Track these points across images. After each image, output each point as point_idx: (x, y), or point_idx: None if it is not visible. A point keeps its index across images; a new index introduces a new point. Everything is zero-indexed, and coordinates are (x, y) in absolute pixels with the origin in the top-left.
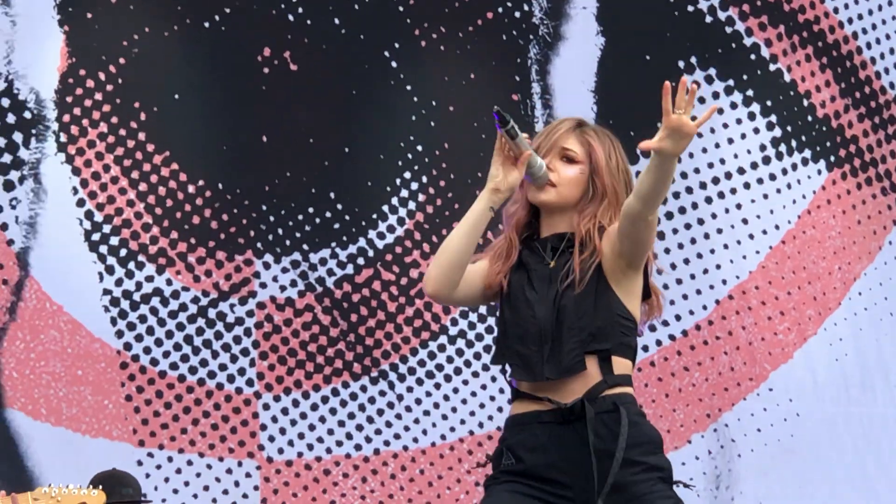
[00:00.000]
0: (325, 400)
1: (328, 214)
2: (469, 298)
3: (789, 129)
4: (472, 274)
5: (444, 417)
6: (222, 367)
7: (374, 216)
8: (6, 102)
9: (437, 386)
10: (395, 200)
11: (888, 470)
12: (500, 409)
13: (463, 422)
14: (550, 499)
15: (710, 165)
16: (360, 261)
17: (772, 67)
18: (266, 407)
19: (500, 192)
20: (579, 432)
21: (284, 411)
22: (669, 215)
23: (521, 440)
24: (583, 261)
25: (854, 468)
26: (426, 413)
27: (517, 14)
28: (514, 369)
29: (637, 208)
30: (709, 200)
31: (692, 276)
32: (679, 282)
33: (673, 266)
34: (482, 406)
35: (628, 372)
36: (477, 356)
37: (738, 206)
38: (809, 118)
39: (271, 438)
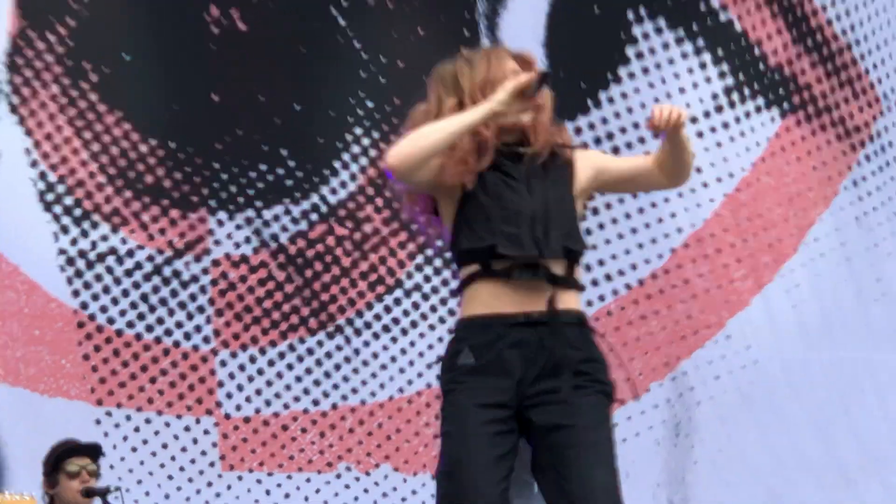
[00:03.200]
0: (281, 356)
1: (280, 171)
2: (421, 183)
3: (741, 77)
4: (432, 166)
5: (401, 371)
6: (178, 325)
7: (326, 172)
8: None
9: (394, 340)
10: (346, 156)
11: (847, 415)
12: None
13: (420, 375)
14: (500, 393)
15: None
16: (314, 216)
17: (722, 17)
18: (223, 364)
19: (499, 117)
20: (543, 336)
21: (241, 368)
22: None
23: (483, 341)
24: (559, 167)
25: (813, 414)
26: (383, 367)
27: None
28: (503, 245)
29: (665, 184)
30: None
31: (647, 226)
32: (634, 231)
33: (628, 216)
34: (439, 359)
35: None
36: (433, 309)
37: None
38: (761, 66)
39: (229, 395)
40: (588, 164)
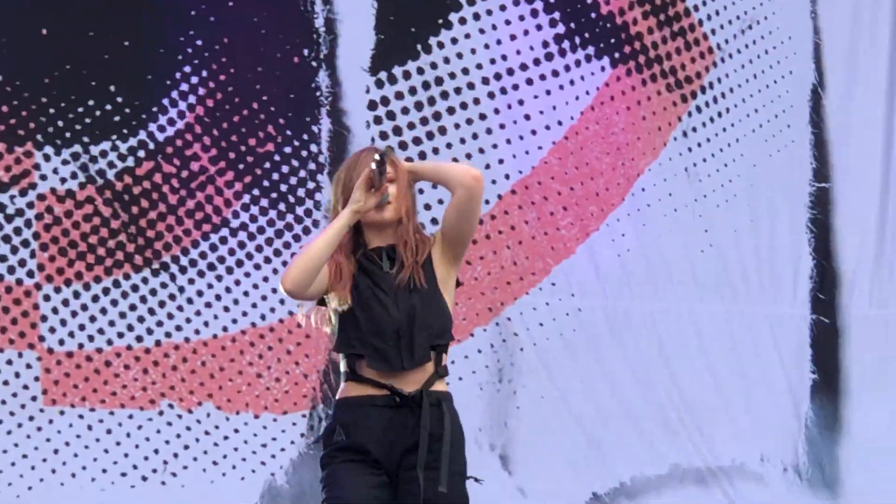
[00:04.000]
0: (106, 291)
1: (108, 107)
2: (316, 297)
3: (573, 25)
4: (321, 279)
5: (226, 310)
6: (2, 259)
7: (155, 109)
8: None
9: (219, 278)
10: (175, 94)
11: (669, 365)
12: (281, 302)
13: (245, 314)
14: (375, 471)
15: (493, 62)
16: (141, 153)
17: None
18: (46, 298)
19: (360, 213)
20: (406, 418)
21: (65, 303)
22: (451, 110)
23: (354, 420)
24: (421, 265)
25: (635, 363)
26: (207, 305)
27: None
28: (370, 360)
29: (463, 199)
30: (491, 96)
31: None
32: None
33: (455, 160)
34: (264, 298)
35: (446, 363)
36: (258, 249)
37: (521, 103)
38: (593, 15)
39: (52, 330)
40: (439, 245)
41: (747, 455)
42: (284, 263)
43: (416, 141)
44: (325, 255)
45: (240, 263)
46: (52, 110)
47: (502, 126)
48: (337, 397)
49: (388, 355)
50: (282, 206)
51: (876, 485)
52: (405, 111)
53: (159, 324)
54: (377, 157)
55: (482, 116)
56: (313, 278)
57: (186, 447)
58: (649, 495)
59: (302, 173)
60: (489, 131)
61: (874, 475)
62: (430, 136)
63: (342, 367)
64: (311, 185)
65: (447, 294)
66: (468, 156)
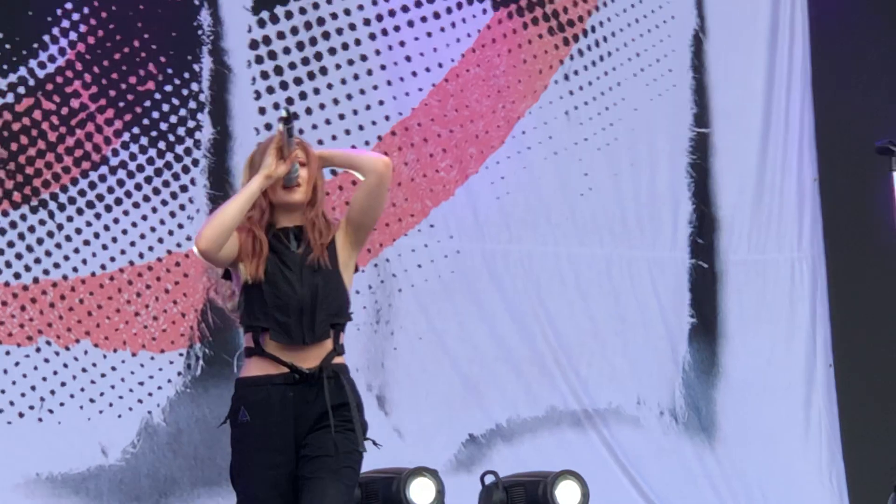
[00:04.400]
0: None
1: None
2: (225, 262)
3: None
4: (231, 245)
5: (104, 248)
6: None
7: (35, 45)
8: None
9: (98, 216)
10: (55, 30)
11: (546, 308)
12: (160, 240)
13: (123, 252)
14: (276, 452)
15: (374, 3)
16: (21, 90)
17: None
18: None
19: (271, 178)
20: (306, 393)
21: None
22: (332, 51)
23: (256, 400)
24: (325, 247)
25: (513, 305)
26: (86, 243)
27: None
28: (274, 333)
29: (372, 185)
30: (372, 37)
31: (355, 112)
32: (342, 117)
33: (336, 101)
34: (142, 237)
35: (343, 342)
36: (137, 187)
37: (402, 44)
38: None
39: None
40: (343, 230)
41: (624, 398)
42: (164, 202)
43: (297, 81)
44: (237, 217)
45: (118, 202)
46: None
47: (383, 67)
48: (239, 376)
49: (291, 330)
50: (161, 145)
51: (750, 426)
52: (287, 51)
53: (37, 261)
54: (283, 112)
55: (363, 57)
56: (225, 240)
57: (63, 384)
58: (525, 437)
59: (182, 112)
60: (370, 72)
61: (749, 417)
62: (311, 76)
63: (245, 342)
64: (191, 123)
65: (346, 277)
66: (349, 96)
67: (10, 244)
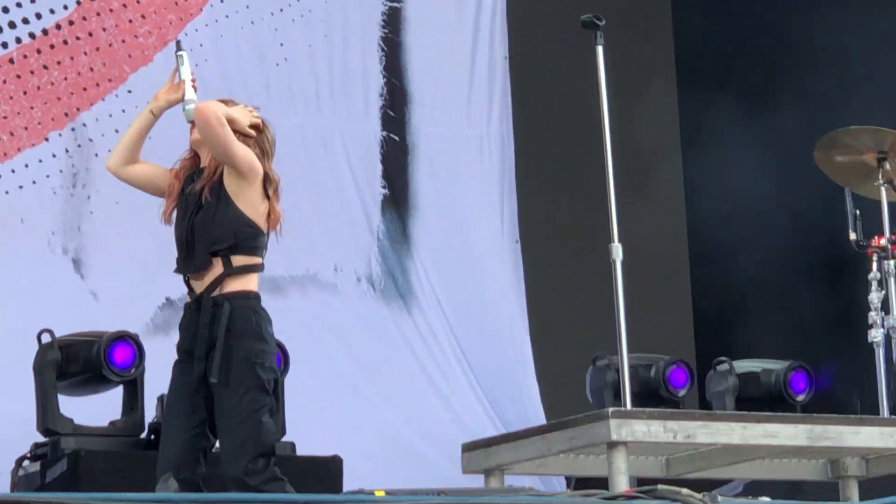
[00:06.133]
0: None
1: None
2: (141, 184)
3: None
4: (160, 175)
5: None
6: None
7: None
8: None
9: None
10: None
11: None
12: None
13: None
14: (186, 366)
15: None
16: None
17: None
18: None
19: (159, 99)
20: (198, 317)
21: None
22: None
23: (181, 322)
24: (209, 185)
25: None
26: None
27: None
28: (178, 264)
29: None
30: None
31: None
32: None
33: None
34: None
35: (251, 262)
36: None
37: None
38: None
39: None
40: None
41: (321, 265)
42: None
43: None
44: (131, 137)
45: None
46: None
47: None
48: None
49: (182, 262)
50: None
51: (442, 295)
52: None
53: None
54: (176, 42)
55: None
56: (124, 157)
57: None
58: None
59: None
60: None
61: (441, 287)
62: None
63: None
64: None
65: (244, 203)
66: None
67: None
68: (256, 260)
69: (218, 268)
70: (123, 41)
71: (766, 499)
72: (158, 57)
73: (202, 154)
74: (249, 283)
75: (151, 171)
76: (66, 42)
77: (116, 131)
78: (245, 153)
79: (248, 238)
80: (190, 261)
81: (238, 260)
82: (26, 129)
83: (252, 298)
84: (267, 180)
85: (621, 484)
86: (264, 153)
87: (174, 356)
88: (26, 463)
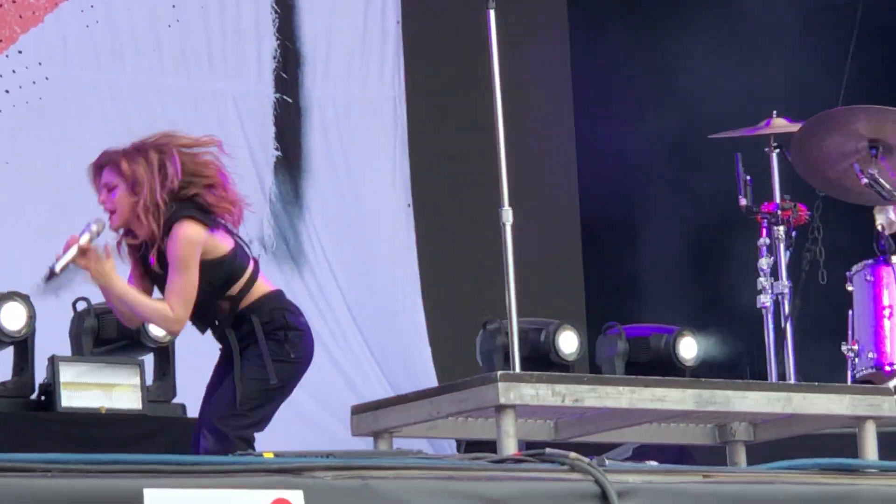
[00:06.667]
0: None
1: None
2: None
3: None
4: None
5: None
6: None
7: None
8: None
9: None
10: None
11: (132, 133)
12: None
13: None
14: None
15: None
16: None
17: None
18: None
19: (88, 259)
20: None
21: None
22: None
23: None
24: (158, 259)
25: (101, 134)
26: None
27: None
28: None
29: None
30: None
31: None
32: None
33: None
34: None
35: (241, 284)
36: None
37: None
38: None
39: None
40: None
41: None
42: None
43: None
44: (127, 309)
45: None
46: None
47: None
48: None
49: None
50: None
51: (333, 258)
52: None
53: None
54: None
55: None
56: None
57: None
58: None
59: None
60: None
61: (332, 250)
62: None
63: None
64: None
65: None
66: None
67: None
68: (243, 278)
69: (225, 307)
70: (14, 1)
71: (654, 463)
72: (49, 18)
73: (134, 228)
74: (255, 294)
75: (143, 286)
76: None
77: (7, 92)
78: (181, 285)
79: (222, 275)
80: (203, 325)
81: (233, 290)
82: None
83: (266, 302)
84: (209, 218)
85: (510, 447)
86: (192, 181)
87: (65, 316)
88: None
